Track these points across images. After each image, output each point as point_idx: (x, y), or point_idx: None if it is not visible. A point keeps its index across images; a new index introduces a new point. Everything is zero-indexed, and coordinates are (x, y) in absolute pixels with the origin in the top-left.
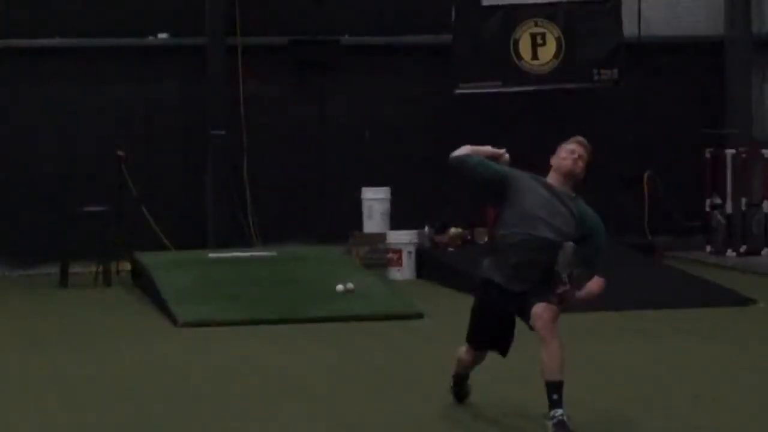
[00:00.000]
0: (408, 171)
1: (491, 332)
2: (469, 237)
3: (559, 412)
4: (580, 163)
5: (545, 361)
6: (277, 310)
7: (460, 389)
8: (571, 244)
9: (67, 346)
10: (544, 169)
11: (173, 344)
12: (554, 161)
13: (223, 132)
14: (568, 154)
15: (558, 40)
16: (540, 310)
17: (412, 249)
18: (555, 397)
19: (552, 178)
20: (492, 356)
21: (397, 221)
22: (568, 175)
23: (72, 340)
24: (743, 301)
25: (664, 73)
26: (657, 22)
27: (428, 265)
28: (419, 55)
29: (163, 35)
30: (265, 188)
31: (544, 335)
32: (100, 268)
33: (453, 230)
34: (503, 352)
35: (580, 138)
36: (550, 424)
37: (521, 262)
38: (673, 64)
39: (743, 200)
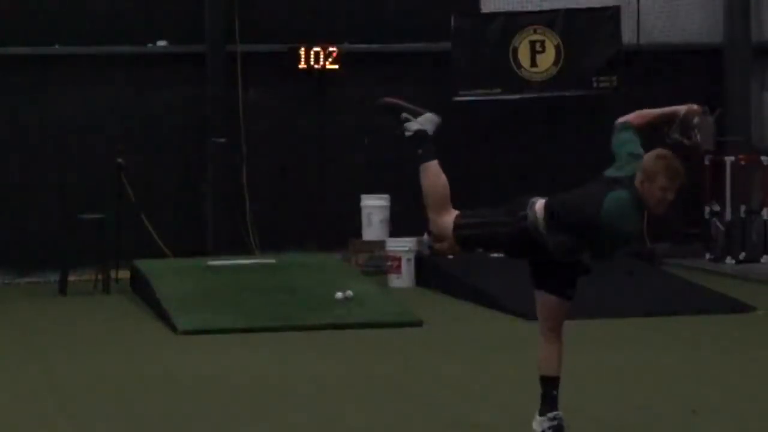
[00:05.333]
0: (407, 178)
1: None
2: None
3: (560, 414)
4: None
5: (547, 357)
6: (276, 317)
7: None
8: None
9: (66, 353)
10: (543, 172)
11: (172, 352)
12: (647, 190)
13: (222, 139)
14: (663, 194)
15: (557, 47)
16: (556, 305)
17: (412, 256)
18: (555, 393)
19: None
20: (491, 361)
21: (396, 228)
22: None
23: (71, 347)
24: (742, 309)
25: (663, 80)
26: (656, 29)
27: (427, 272)
28: (418, 63)
29: (162, 43)
30: (265, 195)
31: (553, 333)
32: (100, 276)
33: None
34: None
35: (680, 168)
36: (547, 425)
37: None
38: (672, 72)
39: (742, 207)
